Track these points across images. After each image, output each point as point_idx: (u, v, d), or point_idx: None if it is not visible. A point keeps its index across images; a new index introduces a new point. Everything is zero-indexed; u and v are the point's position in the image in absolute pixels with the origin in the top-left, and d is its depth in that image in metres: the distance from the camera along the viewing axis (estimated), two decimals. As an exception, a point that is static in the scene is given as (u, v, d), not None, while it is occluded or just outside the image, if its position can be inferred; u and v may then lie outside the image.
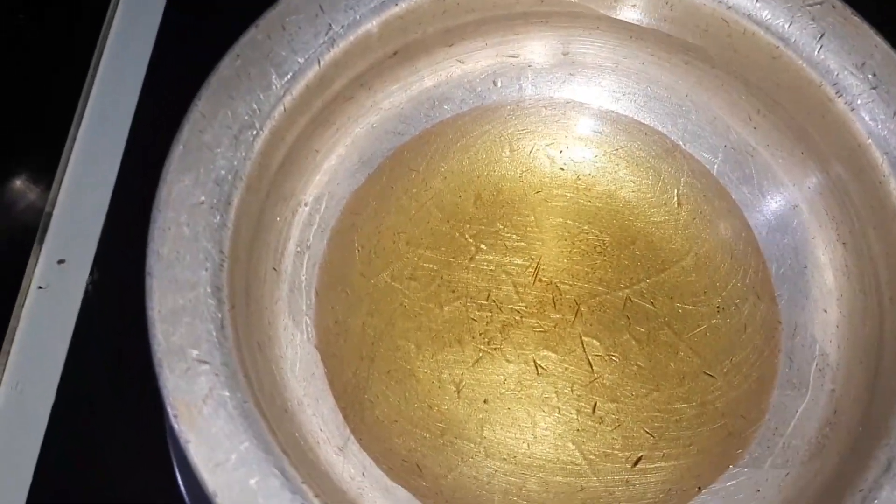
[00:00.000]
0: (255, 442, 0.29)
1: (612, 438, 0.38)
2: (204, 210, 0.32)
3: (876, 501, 0.31)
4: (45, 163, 0.46)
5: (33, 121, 0.48)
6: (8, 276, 0.44)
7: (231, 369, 0.30)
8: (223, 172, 0.32)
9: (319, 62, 0.35)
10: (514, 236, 0.42)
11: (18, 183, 0.46)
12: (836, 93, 0.36)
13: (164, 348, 0.30)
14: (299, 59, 0.34)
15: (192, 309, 0.30)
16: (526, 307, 0.40)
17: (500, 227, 0.42)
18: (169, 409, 0.29)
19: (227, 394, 0.30)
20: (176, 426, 0.29)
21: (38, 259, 0.44)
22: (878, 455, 0.32)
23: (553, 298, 0.41)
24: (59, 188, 0.46)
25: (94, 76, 0.48)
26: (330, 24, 0.35)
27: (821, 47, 0.37)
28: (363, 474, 0.36)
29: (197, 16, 0.51)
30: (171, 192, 0.32)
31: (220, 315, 0.31)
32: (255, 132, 0.33)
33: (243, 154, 0.33)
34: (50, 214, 0.45)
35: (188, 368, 0.30)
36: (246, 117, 0.33)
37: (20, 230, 0.45)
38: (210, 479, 0.28)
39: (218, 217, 0.32)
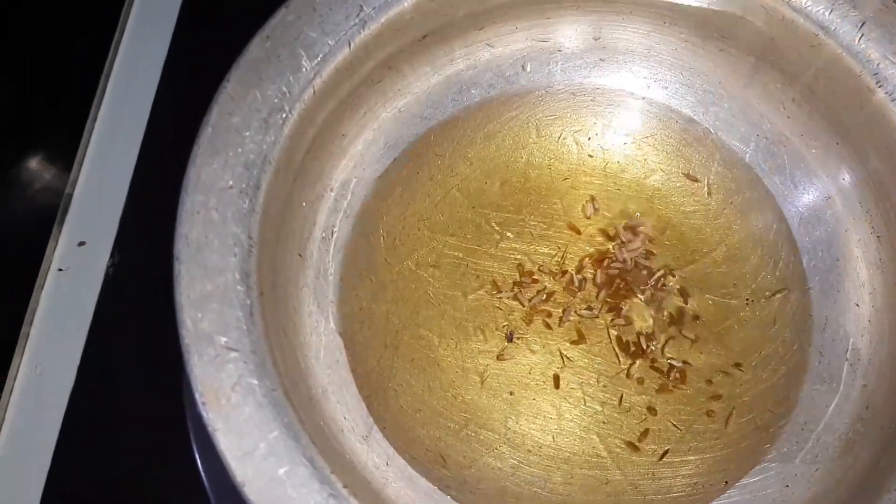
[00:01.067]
0: (284, 431, 0.29)
1: (639, 431, 0.38)
2: (233, 194, 0.31)
3: (911, 501, 0.30)
4: (66, 144, 0.46)
5: (54, 102, 0.47)
6: (28, 257, 0.43)
7: (260, 357, 0.30)
8: (252, 156, 0.32)
9: (350, 44, 0.34)
10: (540, 224, 0.41)
11: (39, 164, 0.46)
12: (877, 83, 0.35)
13: (193, 334, 0.29)
14: (329, 41, 0.34)
15: (221, 295, 0.30)
16: (551, 297, 0.40)
17: (527, 214, 0.41)
18: (197, 396, 0.29)
19: (256, 381, 0.29)
20: (204, 414, 0.29)
21: (58, 241, 0.44)
22: (915, 453, 0.31)
23: (579, 288, 0.40)
24: (79, 169, 0.45)
25: (115, 57, 0.47)
26: (361, 6, 0.34)
27: (862, 36, 0.36)
28: (387, 463, 0.36)
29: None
30: (199, 176, 0.31)
31: (248, 301, 0.30)
32: (284, 115, 0.33)
33: (273, 138, 0.32)
34: (70, 196, 0.45)
35: (217, 355, 0.29)
36: (275, 100, 0.32)
37: (40, 212, 0.45)
38: (238, 467, 0.28)
39: (247, 202, 0.31)
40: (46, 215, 0.44)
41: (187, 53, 0.48)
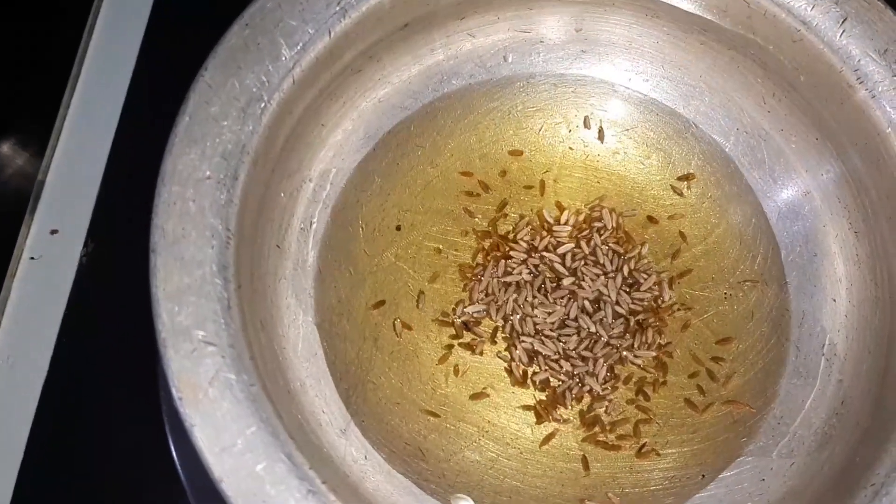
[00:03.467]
0: (262, 426, 0.28)
1: (617, 424, 0.38)
2: (210, 185, 0.31)
3: (887, 497, 0.30)
4: (38, 129, 0.45)
5: (26, 87, 0.46)
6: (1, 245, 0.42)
7: (237, 351, 0.29)
8: (230, 146, 0.31)
9: (330, 33, 0.33)
10: (521, 217, 0.41)
11: (10, 150, 0.45)
12: (858, 79, 0.36)
13: (170, 328, 0.29)
14: (310, 30, 0.33)
15: (198, 288, 0.29)
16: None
17: (508, 207, 0.41)
18: (174, 391, 0.28)
19: (234, 376, 0.29)
20: (181, 409, 0.28)
21: (30, 229, 0.43)
22: (891, 448, 0.32)
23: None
24: (52, 156, 0.44)
25: (89, 40, 0.46)
26: (342, -6, 0.34)
27: (843, 32, 0.36)
28: (366, 457, 0.36)
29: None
30: (176, 166, 0.30)
31: (226, 295, 0.30)
32: (263, 105, 0.32)
33: (251, 127, 0.32)
34: (43, 182, 0.44)
35: (194, 349, 0.29)
36: (254, 89, 0.32)
37: (12, 199, 0.44)
38: (216, 463, 0.28)
39: (225, 193, 0.31)
40: (18, 202, 0.43)
41: (163, 38, 0.47)
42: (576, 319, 0.39)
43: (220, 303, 0.30)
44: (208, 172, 0.31)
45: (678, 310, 0.40)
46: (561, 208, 0.41)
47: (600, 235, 0.40)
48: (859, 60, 0.36)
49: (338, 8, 0.34)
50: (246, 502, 0.27)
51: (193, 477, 0.39)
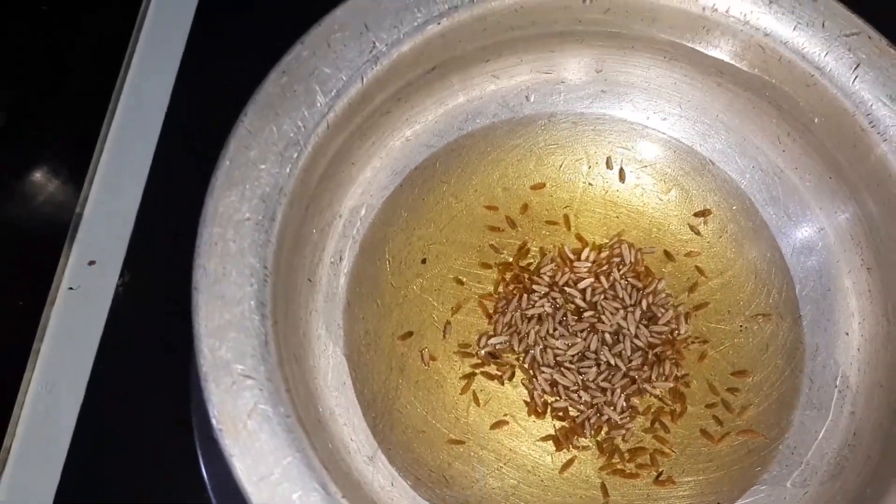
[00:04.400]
0: (297, 457, 0.30)
1: (635, 453, 0.39)
2: (249, 226, 0.32)
3: (897, 527, 0.32)
4: (76, 163, 0.46)
5: (64, 121, 0.48)
6: (39, 275, 0.44)
7: (275, 384, 0.31)
8: (268, 189, 0.33)
9: (363, 79, 0.35)
10: (542, 252, 0.42)
11: (49, 183, 0.47)
12: (870, 123, 0.37)
13: (211, 363, 0.30)
14: (343, 77, 0.35)
15: (238, 324, 0.31)
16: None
17: (529, 241, 0.43)
18: (214, 422, 0.30)
19: (271, 409, 0.30)
20: (221, 440, 0.30)
21: (68, 259, 0.45)
22: (901, 481, 0.33)
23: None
24: (89, 189, 0.46)
25: (125, 77, 0.48)
26: (374, 42, 0.35)
27: (856, 78, 0.37)
28: (392, 484, 0.37)
29: (229, 14, 0.51)
30: (217, 208, 0.32)
31: (263, 330, 0.31)
32: (299, 149, 0.34)
33: (287, 171, 0.33)
34: (80, 215, 0.45)
35: (234, 383, 0.30)
36: (291, 134, 0.34)
37: (51, 230, 0.45)
38: (255, 492, 0.29)
39: (263, 234, 0.32)
40: (57, 234, 0.45)
41: (198, 73, 0.49)
42: (595, 352, 0.40)
43: (258, 338, 0.31)
44: (248, 214, 0.32)
45: (694, 342, 0.41)
46: (582, 242, 0.42)
47: (619, 270, 0.41)
48: (871, 105, 0.37)
49: (370, 56, 0.35)
50: (283, 530, 0.29)
51: (224, 501, 0.41)
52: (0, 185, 0.47)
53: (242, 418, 0.30)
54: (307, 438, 0.31)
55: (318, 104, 0.34)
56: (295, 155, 0.34)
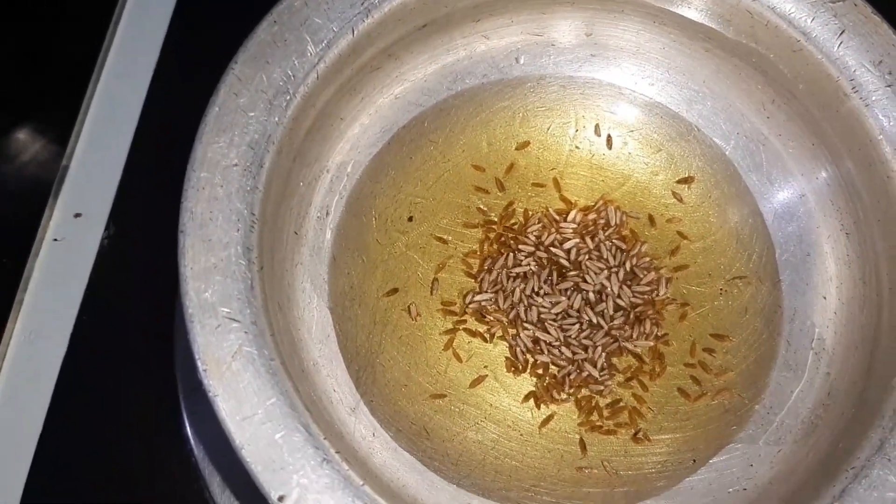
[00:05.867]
0: (281, 398, 0.30)
1: (613, 410, 0.40)
2: (237, 172, 0.32)
3: (866, 479, 0.32)
4: (63, 116, 0.46)
5: (51, 74, 0.48)
6: (23, 228, 0.44)
7: (260, 328, 0.31)
8: (257, 136, 0.33)
9: (354, 31, 0.35)
10: (528, 212, 0.43)
11: (35, 136, 0.47)
12: (853, 88, 0.37)
13: (196, 305, 0.30)
14: (334, 28, 0.35)
15: (224, 268, 0.31)
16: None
17: (515, 202, 0.43)
18: (199, 363, 0.30)
19: (256, 351, 0.31)
20: (205, 380, 0.30)
21: (53, 212, 0.45)
22: (871, 435, 0.33)
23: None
24: (76, 142, 0.46)
25: (115, 28, 0.48)
26: (366, -6, 0.35)
27: (840, 43, 0.38)
28: (373, 434, 0.37)
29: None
30: (206, 153, 0.32)
31: (249, 275, 0.32)
32: (288, 98, 0.34)
33: (277, 119, 0.33)
34: (66, 168, 0.45)
35: (218, 325, 0.30)
36: (280, 83, 0.34)
37: (36, 183, 0.45)
38: (237, 431, 0.29)
39: (250, 180, 0.32)
40: (43, 186, 0.45)
41: (187, 28, 0.49)
42: (578, 310, 0.41)
43: (244, 282, 0.31)
44: (235, 160, 0.33)
45: (673, 302, 0.42)
46: (568, 204, 0.43)
47: (604, 232, 0.42)
48: (855, 70, 0.37)
49: (361, 8, 0.35)
50: (265, 468, 0.29)
51: (207, 452, 0.41)
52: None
53: (227, 360, 0.30)
54: (290, 381, 0.31)
55: (309, 54, 0.34)
56: (284, 103, 0.34)
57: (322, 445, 0.30)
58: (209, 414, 0.40)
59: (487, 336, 0.41)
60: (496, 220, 0.43)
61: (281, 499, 0.29)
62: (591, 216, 0.43)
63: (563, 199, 0.43)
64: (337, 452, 0.31)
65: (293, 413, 0.30)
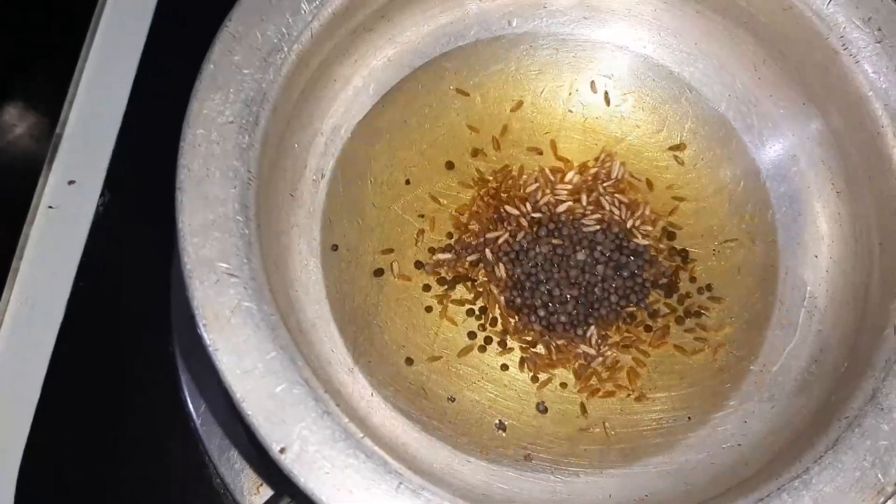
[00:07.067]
0: (281, 352, 0.30)
1: (610, 370, 0.40)
2: (233, 129, 0.32)
3: (859, 428, 0.33)
4: (56, 83, 0.46)
5: (44, 41, 0.48)
6: (18, 195, 0.44)
7: (258, 284, 0.31)
8: (252, 93, 0.33)
9: (347, -11, 0.35)
10: (524, 176, 0.43)
11: (28, 103, 0.46)
12: (843, 45, 0.38)
13: (195, 260, 0.31)
14: (328, -15, 0.35)
15: (222, 224, 0.31)
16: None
17: (509, 164, 0.43)
18: (198, 318, 0.30)
19: (255, 306, 0.31)
20: (204, 335, 0.30)
21: (48, 179, 0.45)
22: (864, 385, 0.34)
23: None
24: (69, 109, 0.46)
25: (106, -3, 0.48)
26: (358, -48, 0.35)
27: (830, 1, 0.38)
28: (372, 394, 0.38)
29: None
30: (201, 110, 0.32)
31: (247, 231, 0.32)
32: (283, 55, 0.34)
33: (272, 76, 0.33)
34: (60, 136, 0.45)
35: (217, 280, 0.31)
36: (275, 40, 0.34)
37: (30, 150, 0.45)
38: (238, 385, 0.30)
39: (246, 137, 0.33)
40: (37, 154, 0.45)
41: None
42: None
43: (242, 239, 0.31)
44: (231, 117, 0.33)
45: (670, 263, 0.42)
46: (565, 162, 0.43)
47: (603, 184, 0.42)
48: (844, 27, 0.38)
49: (355, -35, 0.35)
50: (266, 420, 0.29)
51: (203, 415, 0.41)
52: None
53: (226, 314, 0.30)
54: (290, 336, 0.31)
55: (303, 12, 0.34)
56: (279, 61, 0.34)
57: (322, 398, 0.30)
58: (207, 376, 0.40)
59: (476, 309, 0.41)
60: (492, 183, 0.43)
61: (282, 450, 0.29)
62: (593, 170, 0.43)
63: (560, 159, 0.43)
64: (337, 405, 0.31)
65: (294, 366, 0.30)
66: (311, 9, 0.35)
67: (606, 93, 0.44)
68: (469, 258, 0.41)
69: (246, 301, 0.31)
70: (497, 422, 0.39)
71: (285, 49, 0.34)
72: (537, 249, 0.41)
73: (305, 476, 0.29)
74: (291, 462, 0.29)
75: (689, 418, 0.39)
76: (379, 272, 0.40)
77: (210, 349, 0.30)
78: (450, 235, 0.42)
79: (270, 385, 0.30)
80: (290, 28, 0.34)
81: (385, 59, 0.41)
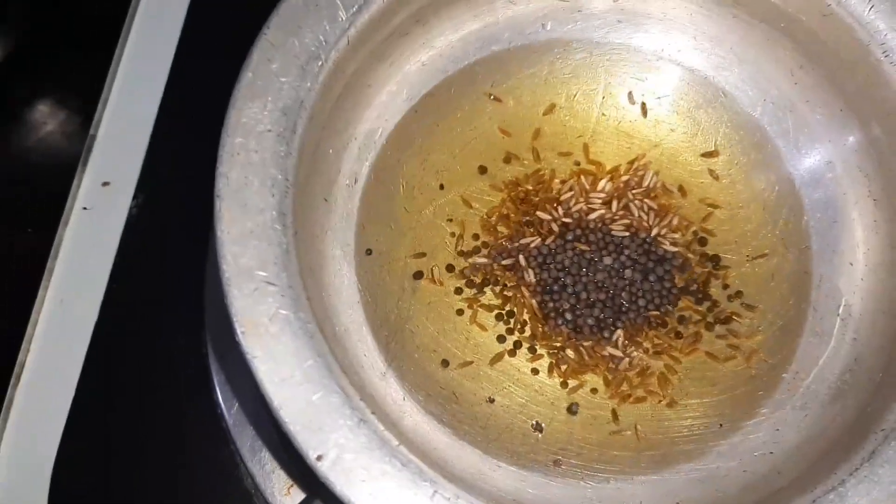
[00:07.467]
0: (318, 360, 0.31)
1: (641, 375, 0.40)
2: (271, 138, 0.33)
3: (895, 442, 0.32)
4: (90, 85, 0.46)
5: (78, 43, 0.48)
6: (53, 196, 0.45)
7: (296, 292, 0.31)
8: (290, 102, 0.33)
9: (383, -5, 0.35)
10: (555, 180, 0.43)
11: (63, 106, 0.47)
12: (883, 53, 0.37)
13: (234, 269, 0.31)
14: (365, -9, 0.35)
15: (260, 232, 0.31)
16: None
17: (542, 169, 0.43)
18: (237, 326, 0.30)
19: (293, 314, 0.31)
20: (243, 343, 0.30)
21: (82, 180, 0.45)
22: (901, 399, 0.34)
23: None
24: (103, 111, 0.46)
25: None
26: (395, -41, 0.35)
27: (871, 7, 0.37)
28: (404, 398, 0.38)
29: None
30: (240, 119, 0.32)
31: (285, 240, 0.32)
32: (320, 63, 0.34)
33: (309, 84, 0.34)
34: (94, 137, 0.46)
35: (256, 289, 0.31)
36: (313, 48, 0.34)
37: (65, 152, 0.46)
38: (275, 392, 0.30)
39: (284, 145, 0.33)
40: (71, 156, 0.45)
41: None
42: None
43: (280, 247, 0.32)
44: (269, 126, 0.33)
45: (703, 270, 0.42)
46: (598, 166, 0.43)
47: (635, 193, 0.42)
48: (885, 34, 0.37)
49: (391, -29, 0.35)
50: (303, 428, 0.30)
51: (237, 418, 0.42)
52: (14, 108, 0.47)
53: (264, 322, 0.31)
54: (327, 344, 0.32)
55: (340, 18, 0.34)
56: (316, 69, 0.34)
57: (359, 406, 0.31)
58: (240, 378, 0.41)
59: (504, 313, 0.41)
60: (527, 187, 0.43)
61: (319, 458, 0.29)
62: (625, 177, 0.42)
63: (592, 162, 0.43)
64: (373, 413, 0.31)
65: (330, 375, 0.31)
66: (348, 16, 0.35)
67: (644, 103, 0.44)
68: (504, 262, 0.41)
69: (283, 309, 0.31)
70: (534, 423, 0.39)
71: (323, 57, 0.34)
72: (565, 254, 0.41)
73: (342, 484, 0.29)
74: (328, 469, 0.30)
75: (721, 425, 0.39)
76: (418, 275, 0.40)
77: (248, 357, 0.30)
78: (476, 237, 0.42)
79: (308, 393, 0.30)
80: (328, 35, 0.34)
81: (419, 64, 0.41)
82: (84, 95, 0.47)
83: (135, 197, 0.45)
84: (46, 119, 0.47)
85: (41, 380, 0.42)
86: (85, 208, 0.45)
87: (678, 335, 0.41)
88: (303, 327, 0.31)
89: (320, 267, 0.38)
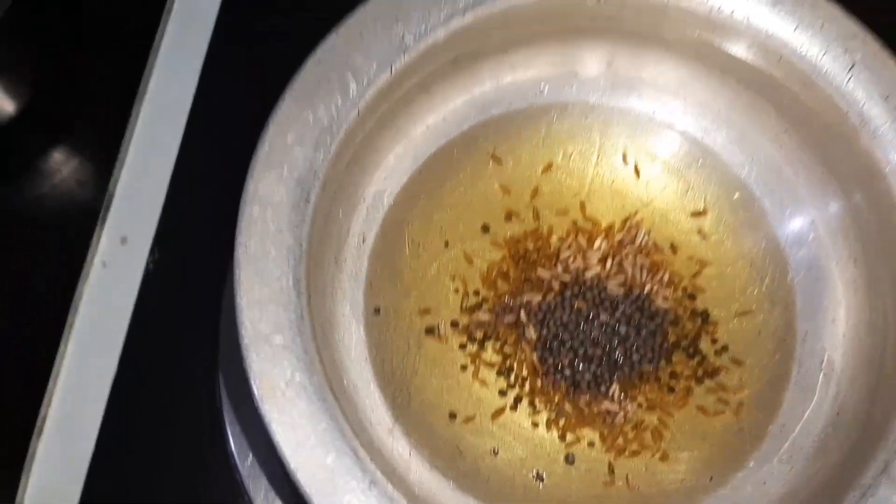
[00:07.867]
0: (331, 423, 0.32)
1: (634, 431, 0.42)
2: (287, 207, 0.34)
3: (873, 498, 0.34)
4: (107, 143, 0.48)
5: (95, 102, 0.50)
6: (72, 252, 0.46)
7: (310, 356, 0.33)
8: (304, 172, 0.35)
9: (392, 69, 0.37)
10: (553, 238, 0.45)
11: (81, 163, 0.48)
12: (861, 122, 0.40)
13: (252, 334, 0.33)
14: (374, 66, 0.37)
15: (277, 299, 0.33)
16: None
17: (541, 227, 0.45)
18: (255, 390, 0.32)
19: (307, 378, 0.33)
20: (261, 406, 0.32)
21: (101, 237, 0.47)
22: (877, 456, 0.36)
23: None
24: (120, 168, 0.48)
25: (154, 58, 0.50)
26: (403, 34, 0.37)
27: (850, 78, 0.40)
28: (409, 454, 0.39)
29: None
30: (257, 189, 0.34)
31: (300, 305, 0.34)
32: (332, 135, 0.36)
33: (322, 155, 0.36)
34: (112, 194, 0.47)
35: (273, 354, 0.33)
36: (325, 122, 0.36)
37: (84, 209, 0.47)
38: (292, 456, 0.32)
39: (299, 214, 0.35)
40: (90, 212, 0.47)
41: (225, 57, 0.50)
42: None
43: (295, 312, 0.33)
44: (285, 196, 0.35)
45: (693, 325, 0.44)
46: (595, 224, 0.45)
47: (628, 252, 0.44)
48: (863, 105, 0.40)
49: (399, 45, 0.37)
50: (318, 490, 0.31)
51: (251, 470, 0.43)
52: (35, 164, 0.49)
53: (281, 386, 0.32)
54: (339, 407, 0.33)
55: (351, 92, 0.36)
56: (329, 140, 0.36)
57: (369, 468, 0.32)
58: (253, 430, 0.42)
59: (504, 371, 0.42)
60: (522, 241, 0.44)
61: (333, 518, 0.31)
62: (619, 236, 0.44)
63: (589, 219, 0.45)
64: (383, 475, 0.33)
65: (342, 437, 0.32)
66: (358, 89, 0.37)
67: (636, 164, 0.46)
68: (506, 319, 0.43)
69: (298, 373, 0.33)
70: (534, 472, 0.40)
71: (335, 129, 0.36)
72: (564, 311, 0.43)
73: (354, 543, 0.31)
74: (341, 529, 0.31)
75: (711, 478, 0.41)
76: (428, 331, 0.42)
77: (266, 421, 0.32)
78: (477, 293, 0.44)
79: (321, 456, 0.32)
80: (340, 108, 0.36)
81: (424, 128, 0.43)
82: (101, 152, 0.49)
83: (151, 253, 0.47)
84: (70, 176, 0.49)
85: (62, 433, 0.43)
86: (104, 264, 0.46)
87: (671, 390, 0.42)
88: (317, 391, 0.33)
89: (330, 325, 0.39)
